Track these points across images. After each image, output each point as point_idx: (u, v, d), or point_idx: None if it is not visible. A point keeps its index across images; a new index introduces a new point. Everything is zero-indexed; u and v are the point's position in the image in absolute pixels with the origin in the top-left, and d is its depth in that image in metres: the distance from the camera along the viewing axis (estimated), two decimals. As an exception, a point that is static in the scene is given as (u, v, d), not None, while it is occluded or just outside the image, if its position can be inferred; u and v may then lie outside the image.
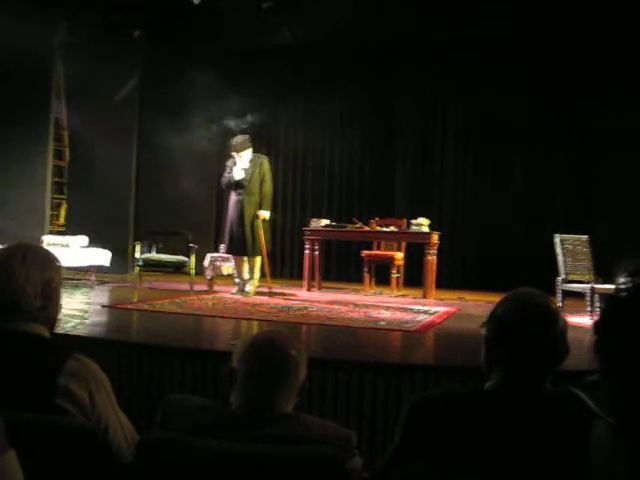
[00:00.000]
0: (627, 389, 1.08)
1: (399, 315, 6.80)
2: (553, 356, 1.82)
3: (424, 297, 8.71)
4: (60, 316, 2.18)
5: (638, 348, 1.06)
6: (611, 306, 1.15)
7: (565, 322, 1.87)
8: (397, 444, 1.88)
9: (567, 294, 7.16)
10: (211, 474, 1.75)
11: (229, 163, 8.43)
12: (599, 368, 1.13)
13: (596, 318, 1.18)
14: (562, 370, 1.88)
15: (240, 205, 8.25)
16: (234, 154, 8.32)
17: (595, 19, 8.92)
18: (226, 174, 8.43)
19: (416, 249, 9.28)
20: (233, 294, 8.26)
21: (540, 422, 1.71)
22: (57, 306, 2.11)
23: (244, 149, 8.32)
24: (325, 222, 9.55)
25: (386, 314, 6.85)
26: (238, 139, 8.42)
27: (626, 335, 1.08)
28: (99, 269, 9.73)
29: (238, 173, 8.29)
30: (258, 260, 8.36)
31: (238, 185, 8.29)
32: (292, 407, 1.99)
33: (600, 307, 1.17)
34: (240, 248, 8.22)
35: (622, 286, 1.11)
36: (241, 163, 8.30)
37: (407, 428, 1.86)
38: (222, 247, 8.76)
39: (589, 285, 6.70)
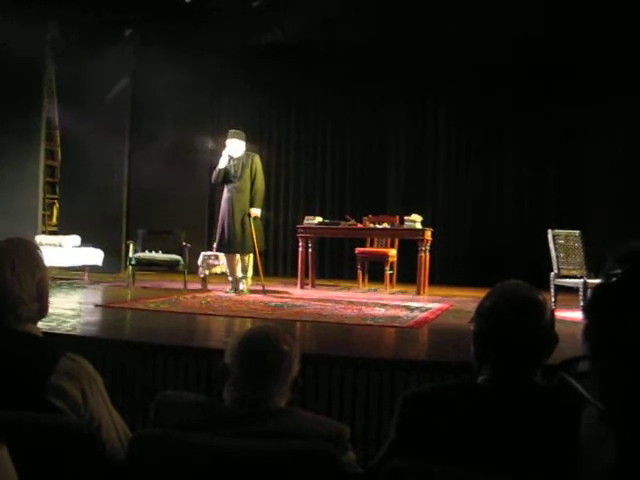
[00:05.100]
0: (616, 373, 1.09)
1: (392, 312, 6.81)
2: (542, 347, 1.83)
3: (417, 293, 8.73)
4: (53, 315, 2.18)
5: (627, 333, 1.07)
6: (601, 291, 1.15)
7: (552, 313, 1.88)
8: (391, 438, 1.88)
9: (560, 289, 7.19)
10: (205, 470, 1.75)
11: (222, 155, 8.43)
12: (589, 353, 1.14)
13: (586, 302, 1.18)
14: (554, 364, 1.88)
15: (230, 202, 8.27)
16: (227, 142, 8.35)
17: (589, 17, 8.93)
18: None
19: (409, 246, 9.29)
20: (227, 292, 8.26)
21: (532, 413, 1.72)
22: (47, 300, 2.11)
23: (235, 137, 8.35)
24: (318, 220, 9.56)
25: (380, 311, 6.85)
26: (234, 130, 8.48)
27: (615, 320, 1.09)
28: (92, 268, 9.73)
29: (223, 161, 8.30)
30: (251, 258, 8.37)
31: (226, 177, 8.29)
32: (286, 402, 1.99)
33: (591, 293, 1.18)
34: (229, 245, 8.23)
35: (611, 272, 1.12)
36: (229, 151, 8.30)
37: (401, 422, 1.87)
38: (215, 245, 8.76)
39: (582, 280, 6.72)
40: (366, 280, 9.69)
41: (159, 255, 9.11)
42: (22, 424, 1.76)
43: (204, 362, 4.21)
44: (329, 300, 7.75)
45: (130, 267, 9.03)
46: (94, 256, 9.69)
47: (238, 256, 8.32)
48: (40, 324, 2.14)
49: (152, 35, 10.28)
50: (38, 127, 10.52)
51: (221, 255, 8.74)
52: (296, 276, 9.49)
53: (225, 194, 8.39)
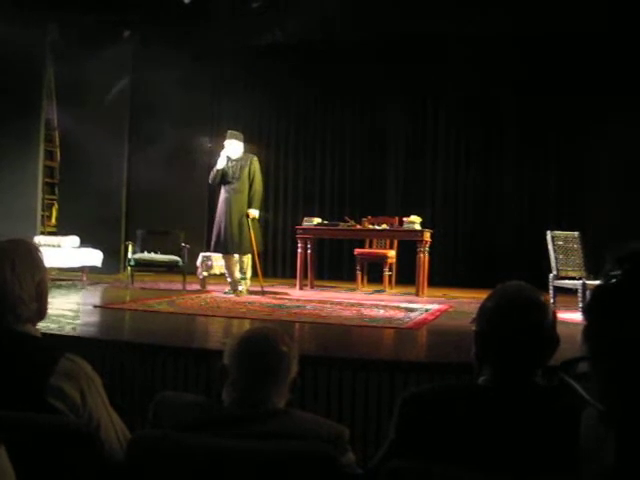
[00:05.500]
0: (615, 375, 1.09)
1: (392, 313, 6.80)
2: (543, 348, 1.82)
3: (416, 295, 8.72)
4: (52, 316, 2.17)
5: (627, 334, 1.07)
6: (600, 292, 1.15)
7: (554, 314, 1.88)
8: (390, 439, 1.88)
9: (559, 290, 7.18)
10: (204, 471, 1.75)
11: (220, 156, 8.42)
12: (589, 354, 1.14)
13: (586, 303, 1.18)
14: (553, 365, 1.88)
15: (228, 203, 8.23)
16: (225, 143, 8.33)
17: (588, 16, 8.93)
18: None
19: (408, 247, 9.28)
20: (225, 293, 8.25)
21: (532, 414, 1.72)
22: (46, 301, 2.11)
23: (233, 138, 8.33)
24: (317, 221, 9.55)
25: (379, 312, 6.85)
26: (232, 130, 8.47)
27: (615, 321, 1.09)
28: (91, 269, 9.72)
29: (221, 162, 8.28)
30: (249, 259, 8.35)
31: (224, 178, 8.27)
32: (285, 403, 1.99)
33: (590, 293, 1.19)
34: (225, 246, 8.19)
35: (611, 272, 1.12)
36: (228, 152, 8.29)
37: (400, 423, 1.87)
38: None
39: (581, 281, 6.72)
40: (365, 281, 9.68)
41: (158, 256, 9.10)
42: (21, 425, 1.75)
43: (203, 363, 4.21)
44: (328, 301, 7.74)
45: (129, 268, 9.03)
46: (93, 257, 9.68)
47: (236, 257, 8.30)
48: (39, 325, 2.14)
49: (151, 36, 10.27)
50: (37, 128, 10.51)
51: (215, 256, 8.73)
52: (295, 277, 9.48)
53: (222, 195, 8.36)
